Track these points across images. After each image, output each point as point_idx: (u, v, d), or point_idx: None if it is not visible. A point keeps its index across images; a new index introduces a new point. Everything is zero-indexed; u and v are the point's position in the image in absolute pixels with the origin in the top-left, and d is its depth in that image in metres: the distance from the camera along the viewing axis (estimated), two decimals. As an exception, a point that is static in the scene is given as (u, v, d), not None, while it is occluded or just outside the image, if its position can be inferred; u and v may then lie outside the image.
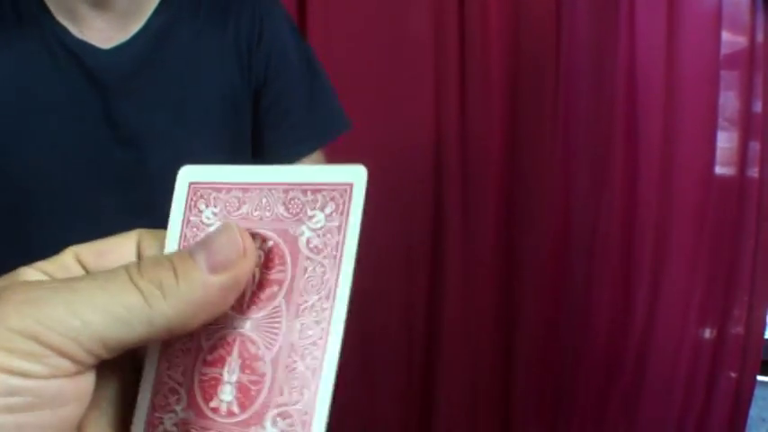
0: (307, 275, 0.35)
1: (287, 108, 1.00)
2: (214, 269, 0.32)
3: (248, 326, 0.36)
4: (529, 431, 2.00)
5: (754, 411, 1.98)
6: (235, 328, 0.36)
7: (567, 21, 1.83)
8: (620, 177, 1.86)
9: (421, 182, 1.86)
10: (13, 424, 0.29)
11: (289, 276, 0.36)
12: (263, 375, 0.35)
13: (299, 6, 1.71)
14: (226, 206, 0.38)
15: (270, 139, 1.00)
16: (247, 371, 0.36)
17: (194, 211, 0.39)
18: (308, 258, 0.36)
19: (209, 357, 0.36)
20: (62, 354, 0.29)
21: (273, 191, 0.37)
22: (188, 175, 0.40)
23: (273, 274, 0.36)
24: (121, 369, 0.36)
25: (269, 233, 0.37)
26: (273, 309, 0.36)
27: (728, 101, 1.87)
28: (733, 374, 1.95)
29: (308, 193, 0.36)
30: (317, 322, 0.34)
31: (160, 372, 0.37)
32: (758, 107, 1.85)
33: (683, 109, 1.83)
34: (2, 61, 0.91)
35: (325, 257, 0.35)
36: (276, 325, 0.35)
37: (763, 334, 1.92)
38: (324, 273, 0.35)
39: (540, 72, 1.85)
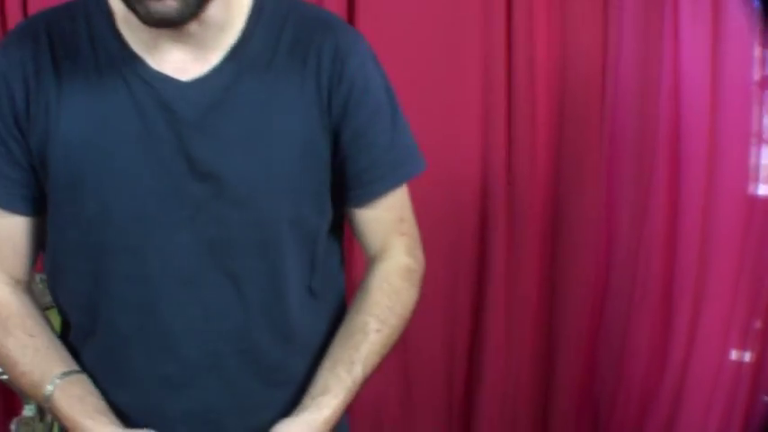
0: None
1: (369, 143, 0.98)
2: None
3: None
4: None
5: (791, 435, 1.96)
6: None
7: (613, 49, 1.82)
8: (663, 200, 1.85)
9: (465, 208, 1.87)
10: None
11: None
12: None
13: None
14: None
15: (351, 172, 0.98)
16: None
17: None
18: None
19: None
20: None
21: None
22: None
23: None
24: None
25: None
26: None
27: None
28: (770, 399, 1.93)
29: None
30: None
31: None
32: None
33: (727, 130, 1.81)
34: (79, 95, 0.91)
35: None
36: None
37: (802, 357, 1.89)
38: None
39: (586, 98, 1.86)
